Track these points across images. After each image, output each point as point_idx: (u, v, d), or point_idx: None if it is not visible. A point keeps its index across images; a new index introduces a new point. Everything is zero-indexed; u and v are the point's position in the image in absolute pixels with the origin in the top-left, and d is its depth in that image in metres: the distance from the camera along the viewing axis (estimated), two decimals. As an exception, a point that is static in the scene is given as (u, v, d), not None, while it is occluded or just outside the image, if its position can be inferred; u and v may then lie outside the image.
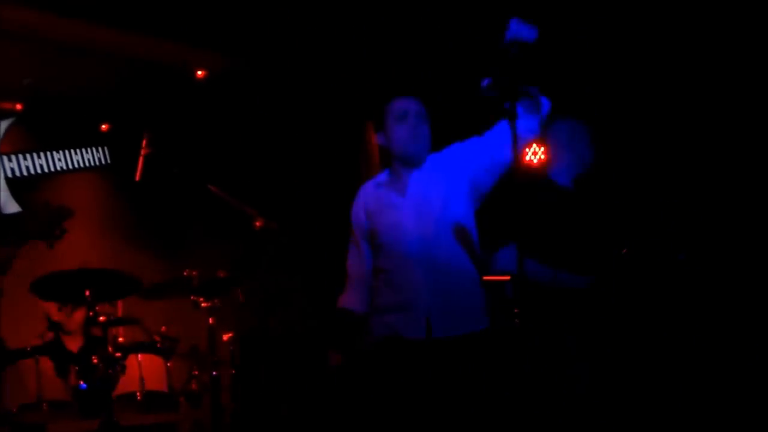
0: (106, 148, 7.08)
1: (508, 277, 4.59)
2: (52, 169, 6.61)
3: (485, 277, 3.55)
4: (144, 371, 5.08)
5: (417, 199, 3.46)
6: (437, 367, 3.24)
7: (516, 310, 3.11)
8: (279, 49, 6.12)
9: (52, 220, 4.65)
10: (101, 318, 4.83)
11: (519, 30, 2.96)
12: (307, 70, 6.41)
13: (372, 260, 3.57)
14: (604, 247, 3.95)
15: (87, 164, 6.84)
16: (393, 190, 3.53)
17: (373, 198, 3.60)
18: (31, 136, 5.93)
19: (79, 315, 5.62)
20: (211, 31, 5.94)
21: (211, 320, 5.28)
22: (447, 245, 3.38)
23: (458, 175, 3.48)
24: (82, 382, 4.63)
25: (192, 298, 5.35)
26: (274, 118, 7.08)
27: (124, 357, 4.83)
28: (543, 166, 6.09)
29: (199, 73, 6.30)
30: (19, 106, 6.57)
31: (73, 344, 5.47)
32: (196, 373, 5.67)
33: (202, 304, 5.29)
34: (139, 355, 5.12)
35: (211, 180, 5.43)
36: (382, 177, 3.64)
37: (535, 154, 6.23)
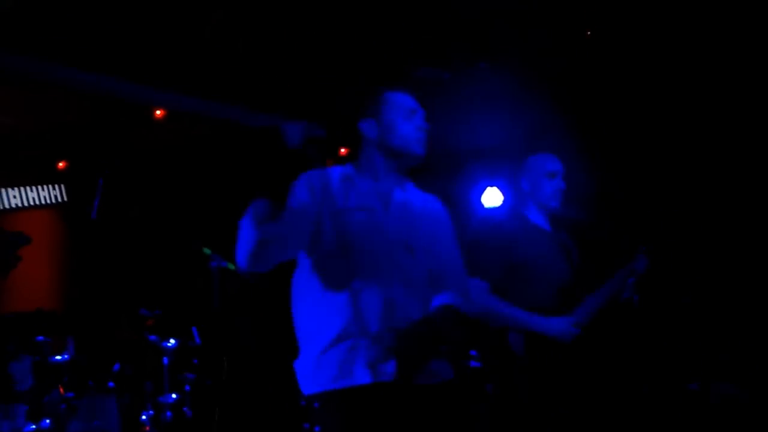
0: (62, 186, 7.07)
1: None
2: (7, 206, 6.56)
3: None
4: (96, 410, 5.03)
5: (401, 217, 3.00)
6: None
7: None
8: (237, 87, 6.15)
9: (8, 246, 4.60)
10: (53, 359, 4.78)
11: (293, 134, 2.91)
12: (264, 109, 6.45)
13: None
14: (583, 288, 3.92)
15: (43, 201, 6.80)
16: (370, 193, 3.01)
17: (337, 188, 2.99)
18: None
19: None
20: (170, 70, 5.95)
21: (166, 359, 5.26)
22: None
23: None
24: (30, 424, 4.55)
25: (147, 336, 5.33)
26: (232, 158, 7.09)
27: (76, 397, 4.78)
28: (498, 207, 6.24)
29: (158, 112, 6.31)
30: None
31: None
32: (152, 413, 5.61)
33: (157, 343, 5.27)
34: (92, 395, 5.07)
35: (168, 219, 5.44)
36: (348, 169, 3.08)
37: (490, 196, 6.32)
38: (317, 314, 2.90)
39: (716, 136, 5.19)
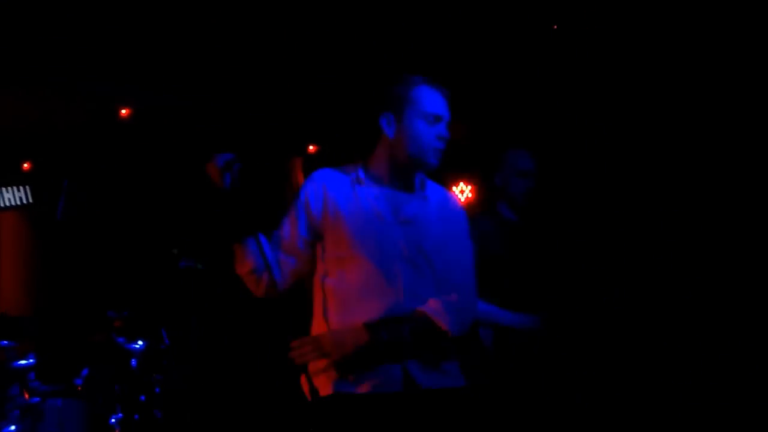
0: (28, 187, 6.98)
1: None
2: (-29, 208, 6.44)
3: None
4: (64, 416, 4.95)
5: (410, 228, 2.82)
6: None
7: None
8: (206, 85, 6.09)
9: None
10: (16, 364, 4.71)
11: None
12: (233, 108, 6.39)
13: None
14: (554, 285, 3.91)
15: (8, 203, 6.71)
16: (379, 198, 2.85)
17: (343, 192, 2.85)
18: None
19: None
20: (136, 67, 5.89)
21: (134, 362, 5.20)
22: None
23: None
24: (-4, 430, 4.49)
25: (115, 338, 5.27)
26: (198, 157, 7.02)
27: (42, 401, 4.71)
28: (470, 204, 6.21)
29: (123, 111, 6.23)
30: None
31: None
32: (120, 416, 5.55)
33: (126, 345, 5.21)
34: (59, 400, 4.98)
35: (135, 220, 5.38)
36: (358, 170, 2.91)
37: (462, 192, 6.29)
38: (317, 320, 2.83)
39: (692, 128, 5.19)
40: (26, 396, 4.66)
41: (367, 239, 2.74)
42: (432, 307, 2.71)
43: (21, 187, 6.82)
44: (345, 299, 2.74)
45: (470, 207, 5.97)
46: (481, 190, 6.13)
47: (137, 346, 5.22)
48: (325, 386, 2.71)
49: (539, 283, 3.83)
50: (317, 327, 2.80)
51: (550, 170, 4.21)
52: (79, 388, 5.16)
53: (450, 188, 6.22)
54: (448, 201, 2.97)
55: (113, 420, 5.44)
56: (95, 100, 6.25)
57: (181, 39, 5.48)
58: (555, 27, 5.32)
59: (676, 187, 4.99)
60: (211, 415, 5.99)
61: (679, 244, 4.85)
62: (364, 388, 2.65)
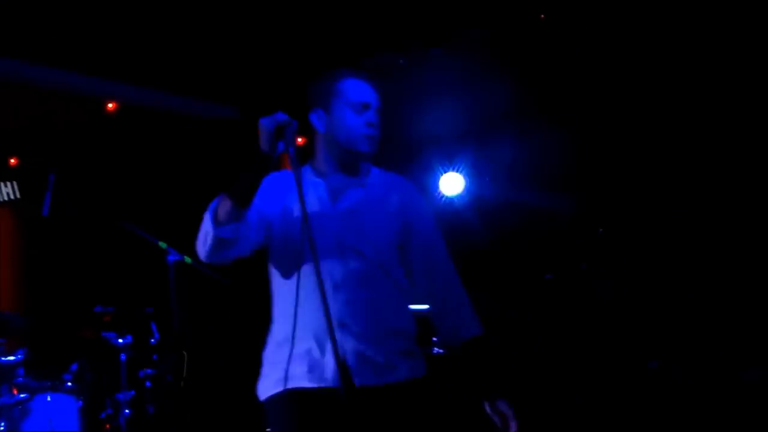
0: (15, 183, 6.94)
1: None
2: (-42, 205, 6.39)
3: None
4: (53, 412, 4.92)
5: (351, 218, 2.85)
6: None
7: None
8: (189, 78, 6.07)
9: None
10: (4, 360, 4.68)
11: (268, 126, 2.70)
12: (220, 101, 6.38)
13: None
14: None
15: (-5, 199, 6.64)
16: (318, 191, 2.90)
17: (290, 187, 2.82)
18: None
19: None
20: (122, 61, 5.86)
21: (124, 357, 5.18)
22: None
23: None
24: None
25: (104, 334, 5.24)
26: (185, 151, 7.00)
27: (31, 398, 4.68)
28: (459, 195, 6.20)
29: (110, 105, 6.20)
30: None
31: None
32: (110, 411, 5.52)
33: (115, 341, 5.18)
34: (49, 396, 4.95)
35: (122, 214, 5.35)
36: (305, 167, 2.96)
37: (449, 184, 6.26)
38: (273, 314, 2.87)
39: (682, 116, 5.19)
40: (14, 392, 4.62)
41: (306, 231, 2.67)
42: None
43: (8, 183, 6.78)
44: (290, 290, 2.78)
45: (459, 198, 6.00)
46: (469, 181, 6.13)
47: (125, 341, 5.19)
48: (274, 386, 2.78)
49: None
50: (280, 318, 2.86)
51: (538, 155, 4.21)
52: (69, 385, 5.12)
53: (438, 180, 6.27)
54: (398, 185, 3.00)
55: (103, 415, 5.43)
56: (82, 95, 6.22)
57: (162, 34, 5.46)
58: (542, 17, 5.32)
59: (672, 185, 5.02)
60: (202, 410, 5.98)
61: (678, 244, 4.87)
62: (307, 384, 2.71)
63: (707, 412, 4.35)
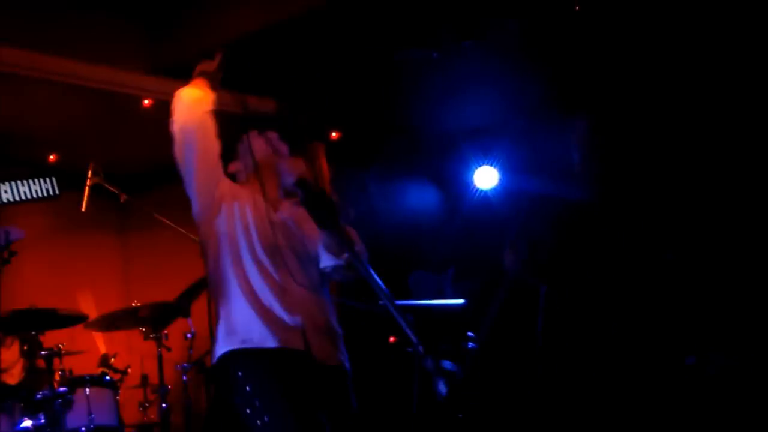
0: (54, 179, 7.02)
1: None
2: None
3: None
4: (92, 405, 4.97)
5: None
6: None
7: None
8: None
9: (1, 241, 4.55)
10: (43, 351, 4.74)
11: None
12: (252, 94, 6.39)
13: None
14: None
15: (35, 196, 6.75)
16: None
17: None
18: (-23, 169, 5.87)
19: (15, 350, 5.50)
20: (160, 57, 5.90)
21: (160, 350, 5.23)
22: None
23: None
24: (25, 420, 4.50)
25: (141, 328, 5.29)
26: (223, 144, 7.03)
27: (71, 391, 4.74)
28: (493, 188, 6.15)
29: (146, 101, 6.24)
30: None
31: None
32: (147, 405, 5.59)
33: (151, 335, 5.24)
34: (87, 389, 5.01)
35: (159, 209, 5.40)
36: None
37: (484, 177, 6.22)
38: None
39: (706, 111, 5.13)
40: (55, 384, 4.69)
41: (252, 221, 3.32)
42: None
43: (47, 179, 6.86)
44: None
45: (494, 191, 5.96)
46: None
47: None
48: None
49: None
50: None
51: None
52: (107, 377, 5.18)
53: (473, 173, 6.23)
54: None
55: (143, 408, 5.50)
56: (119, 91, 6.26)
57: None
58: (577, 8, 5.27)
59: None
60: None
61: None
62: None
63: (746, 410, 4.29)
